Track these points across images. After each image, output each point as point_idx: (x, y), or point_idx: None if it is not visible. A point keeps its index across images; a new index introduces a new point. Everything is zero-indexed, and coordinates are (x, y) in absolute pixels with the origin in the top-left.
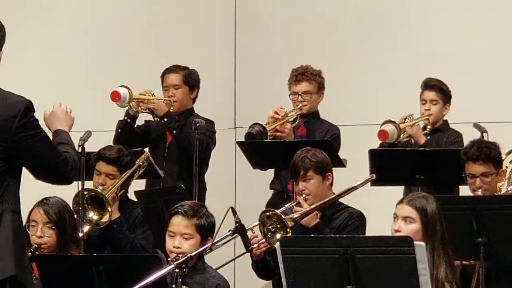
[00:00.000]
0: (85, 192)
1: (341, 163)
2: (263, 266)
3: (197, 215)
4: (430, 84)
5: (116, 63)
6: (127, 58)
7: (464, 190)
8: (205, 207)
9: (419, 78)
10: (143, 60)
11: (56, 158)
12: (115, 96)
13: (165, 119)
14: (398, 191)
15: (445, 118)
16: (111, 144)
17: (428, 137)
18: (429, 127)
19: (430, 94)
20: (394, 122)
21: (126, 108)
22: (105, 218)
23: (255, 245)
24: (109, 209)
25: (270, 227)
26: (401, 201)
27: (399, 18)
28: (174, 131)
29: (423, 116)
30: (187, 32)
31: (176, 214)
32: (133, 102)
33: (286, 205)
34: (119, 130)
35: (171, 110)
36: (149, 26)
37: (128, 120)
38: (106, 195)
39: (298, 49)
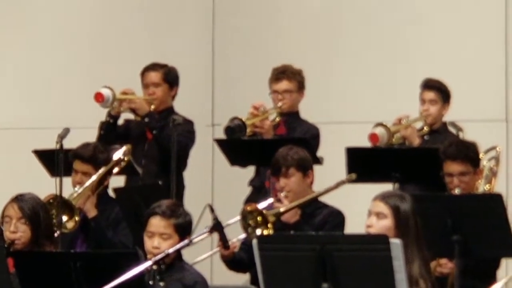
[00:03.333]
0: (51, 199)
1: (317, 161)
2: (232, 262)
3: (174, 215)
4: (429, 84)
5: (94, 60)
6: (104, 54)
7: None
8: (182, 206)
9: (397, 76)
10: (120, 57)
11: None
12: (98, 97)
13: (146, 119)
14: (377, 189)
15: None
16: (89, 141)
17: (425, 137)
18: (426, 128)
19: (429, 94)
20: (384, 125)
21: (108, 108)
22: (70, 225)
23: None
24: (76, 218)
25: (251, 221)
26: (375, 198)
27: (380, 17)
28: (154, 131)
29: (419, 117)
30: (165, 29)
31: (154, 215)
32: (115, 102)
33: (267, 201)
34: (102, 132)
35: (152, 109)
36: (127, 23)
37: (111, 121)
38: (75, 199)
39: (278, 47)
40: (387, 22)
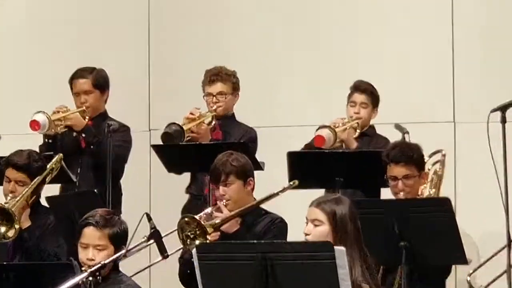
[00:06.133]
0: None
1: (258, 166)
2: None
3: (109, 225)
4: (362, 87)
5: (28, 64)
6: (39, 64)
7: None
8: (117, 214)
9: (334, 79)
10: (54, 68)
11: None
12: (34, 125)
13: (83, 135)
14: (319, 194)
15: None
16: (22, 148)
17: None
18: (358, 131)
19: (361, 97)
20: (330, 127)
21: (48, 133)
22: (11, 233)
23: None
24: (16, 226)
25: (189, 233)
26: (310, 204)
27: (315, 20)
28: (92, 146)
29: (353, 120)
30: (102, 37)
31: (87, 225)
32: (52, 124)
33: (206, 210)
34: (43, 153)
35: (86, 119)
36: (62, 26)
37: (50, 141)
38: (14, 208)
39: (213, 50)
40: (322, 25)
